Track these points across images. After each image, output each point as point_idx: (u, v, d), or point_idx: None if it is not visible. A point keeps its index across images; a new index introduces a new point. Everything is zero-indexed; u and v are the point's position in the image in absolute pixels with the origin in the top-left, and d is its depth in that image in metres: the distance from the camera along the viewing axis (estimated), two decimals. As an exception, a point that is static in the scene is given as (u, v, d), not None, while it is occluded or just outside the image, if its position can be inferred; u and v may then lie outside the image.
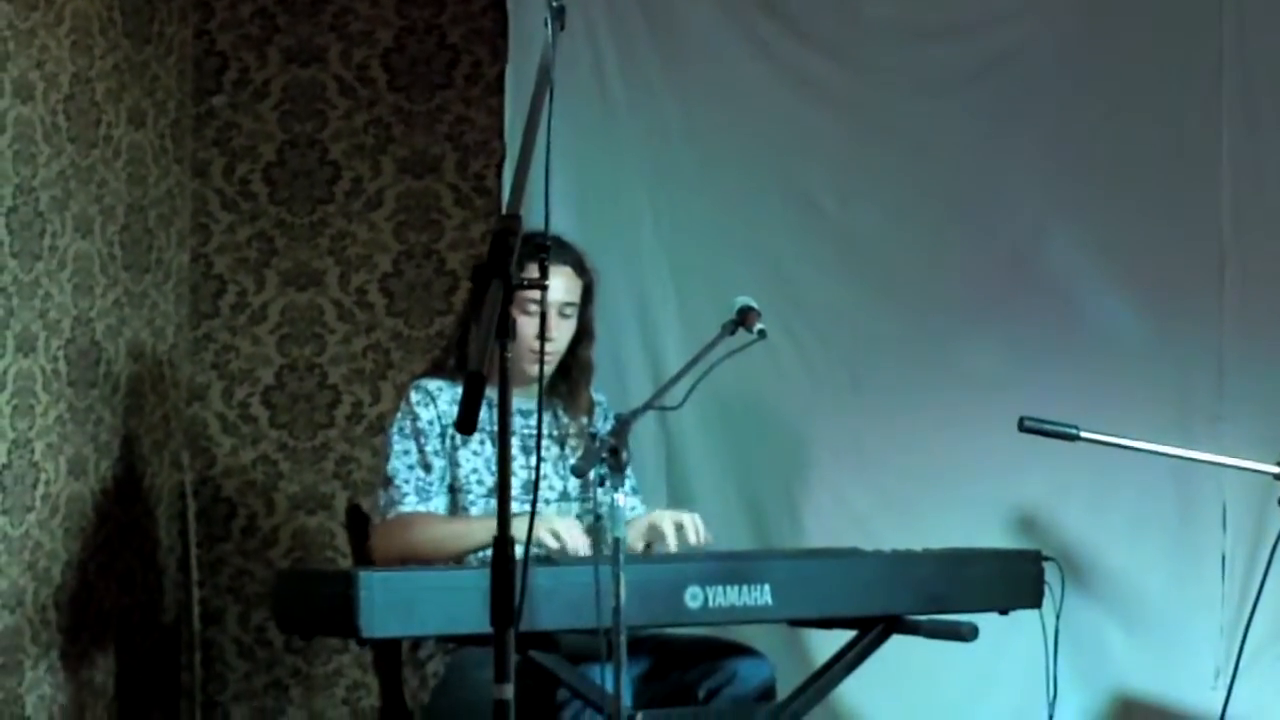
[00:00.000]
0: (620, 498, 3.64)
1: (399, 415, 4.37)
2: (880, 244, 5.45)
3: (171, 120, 5.63)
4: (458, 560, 4.12)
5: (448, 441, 4.32)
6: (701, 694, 4.22)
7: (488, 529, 4.04)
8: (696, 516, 4.23)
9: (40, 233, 4.87)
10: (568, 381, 4.48)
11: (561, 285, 4.34)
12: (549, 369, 4.36)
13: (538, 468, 3.30)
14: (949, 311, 5.38)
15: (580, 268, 4.43)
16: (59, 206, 4.96)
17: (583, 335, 4.47)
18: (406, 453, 4.31)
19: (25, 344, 4.82)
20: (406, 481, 4.29)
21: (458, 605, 3.61)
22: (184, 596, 5.64)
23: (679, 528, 4.18)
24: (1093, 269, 5.31)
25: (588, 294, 4.45)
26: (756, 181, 5.51)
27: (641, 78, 5.57)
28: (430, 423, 4.32)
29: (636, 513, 4.51)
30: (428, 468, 4.29)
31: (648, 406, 3.98)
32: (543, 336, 4.01)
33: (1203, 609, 5.18)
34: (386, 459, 4.33)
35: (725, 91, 5.54)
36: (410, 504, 4.26)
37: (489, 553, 2.99)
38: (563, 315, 4.38)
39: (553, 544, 3.99)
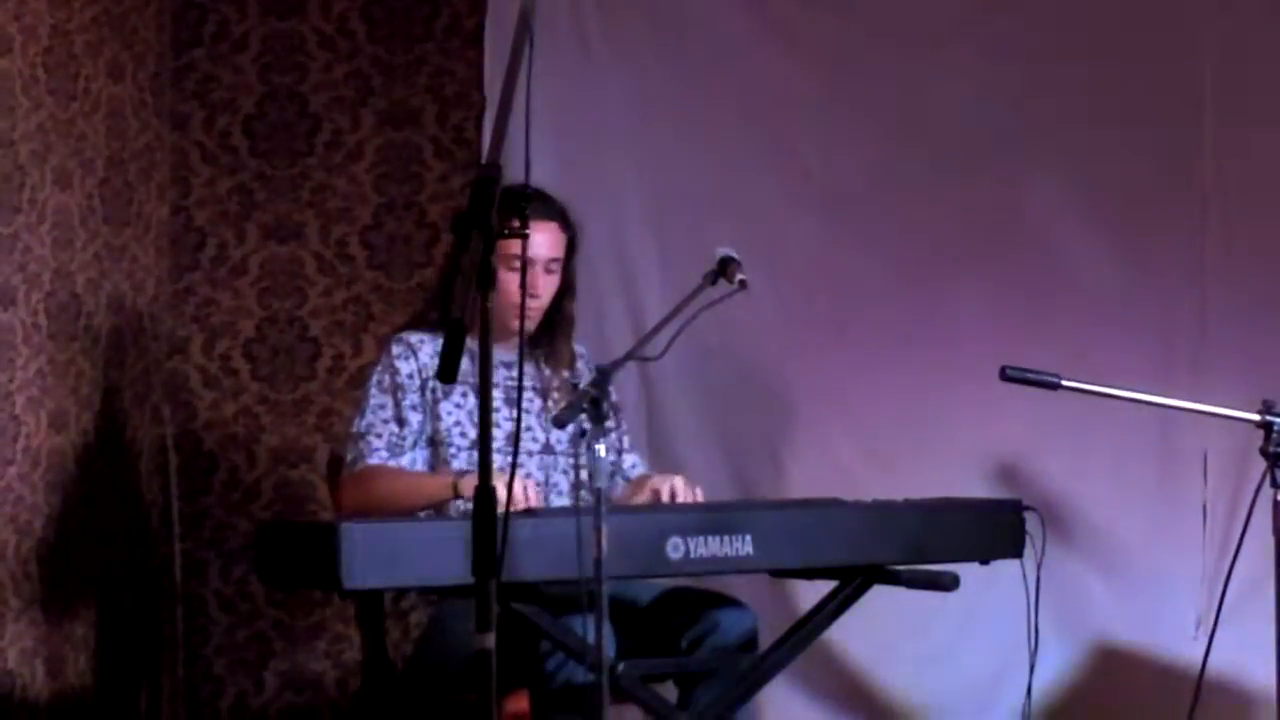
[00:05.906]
0: (601, 449, 3.63)
1: (378, 369, 4.37)
2: (863, 196, 5.44)
3: (151, 73, 5.60)
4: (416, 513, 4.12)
5: (428, 395, 4.31)
6: (684, 644, 4.23)
7: (440, 484, 4.08)
8: (687, 481, 4.26)
9: (19, 186, 4.85)
10: (550, 335, 4.48)
11: (546, 240, 4.33)
12: (533, 324, 4.36)
13: (518, 419, 3.30)
14: (931, 263, 5.38)
15: (565, 222, 4.42)
16: (38, 160, 4.94)
17: (566, 289, 4.47)
18: (382, 407, 4.31)
19: (5, 297, 4.80)
20: (379, 436, 4.28)
21: (439, 556, 3.61)
22: (166, 550, 5.63)
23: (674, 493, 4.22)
24: (1075, 217, 5.32)
25: (571, 248, 4.45)
26: (739, 134, 5.50)
27: (623, 29, 5.54)
28: (410, 376, 4.31)
29: (638, 470, 4.53)
30: (401, 422, 4.29)
31: (628, 357, 3.98)
32: (524, 288, 4.01)
33: (1184, 558, 5.20)
34: (362, 413, 4.33)
35: (708, 45, 5.52)
36: (379, 458, 4.26)
37: (470, 505, 2.99)
38: (548, 271, 4.37)
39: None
